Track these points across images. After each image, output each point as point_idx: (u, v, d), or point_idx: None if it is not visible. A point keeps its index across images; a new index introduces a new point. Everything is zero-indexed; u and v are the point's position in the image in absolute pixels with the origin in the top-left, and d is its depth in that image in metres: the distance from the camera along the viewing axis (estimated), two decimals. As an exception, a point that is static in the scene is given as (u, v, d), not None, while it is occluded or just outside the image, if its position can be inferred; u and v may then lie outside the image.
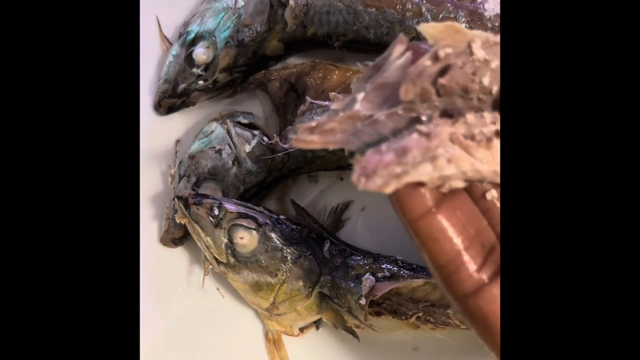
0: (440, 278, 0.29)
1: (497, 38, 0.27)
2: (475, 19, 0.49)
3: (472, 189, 0.30)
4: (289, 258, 0.48)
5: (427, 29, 0.27)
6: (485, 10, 0.49)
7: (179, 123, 0.54)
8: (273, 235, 0.48)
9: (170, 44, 0.54)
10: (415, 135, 0.27)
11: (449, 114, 0.28)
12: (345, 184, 0.53)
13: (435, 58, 0.27)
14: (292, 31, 0.51)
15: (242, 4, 0.52)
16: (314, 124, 0.28)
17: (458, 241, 0.29)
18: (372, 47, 0.50)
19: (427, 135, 0.27)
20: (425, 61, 0.27)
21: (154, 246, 0.53)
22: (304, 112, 0.51)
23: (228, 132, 0.52)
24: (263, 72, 0.53)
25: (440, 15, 0.49)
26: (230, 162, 0.51)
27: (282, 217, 0.50)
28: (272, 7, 0.51)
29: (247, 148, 0.51)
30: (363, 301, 0.47)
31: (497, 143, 0.27)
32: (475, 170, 0.27)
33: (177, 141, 0.54)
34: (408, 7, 0.49)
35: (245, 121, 0.53)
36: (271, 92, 0.54)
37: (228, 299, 0.52)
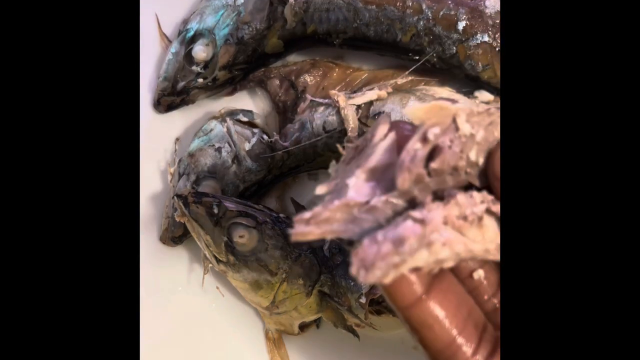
0: None
1: (482, 107, 0.28)
2: (476, 16, 0.48)
3: (458, 269, 0.30)
4: (288, 257, 0.48)
5: (414, 112, 0.27)
6: (486, 7, 0.49)
7: (178, 121, 0.54)
8: (273, 233, 0.48)
9: (170, 41, 0.54)
10: (409, 223, 0.27)
11: (439, 196, 0.28)
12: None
13: (424, 140, 0.27)
14: (292, 29, 0.51)
15: (242, 1, 0.52)
16: (308, 215, 0.28)
17: (452, 326, 0.28)
18: (372, 44, 0.50)
19: (422, 222, 0.27)
20: (415, 144, 0.27)
21: (153, 245, 0.52)
22: (304, 110, 0.51)
23: (228, 130, 0.52)
24: (263, 69, 0.53)
25: (441, 13, 0.48)
26: (229, 160, 0.51)
27: (282, 215, 0.50)
28: (272, 4, 0.51)
29: (247, 146, 0.51)
30: (363, 300, 0.46)
31: (487, 221, 0.28)
32: (468, 250, 0.27)
33: (177, 139, 0.54)
34: (408, 4, 0.49)
35: (244, 119, 0.52)
36: (271, 90, 0.54)
37: (228, 297, 0.52)
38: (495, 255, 0.28)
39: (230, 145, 0.51)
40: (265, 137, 0.52)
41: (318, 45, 0.52)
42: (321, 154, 0.50)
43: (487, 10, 0.49)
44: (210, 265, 0.49)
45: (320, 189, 0.29)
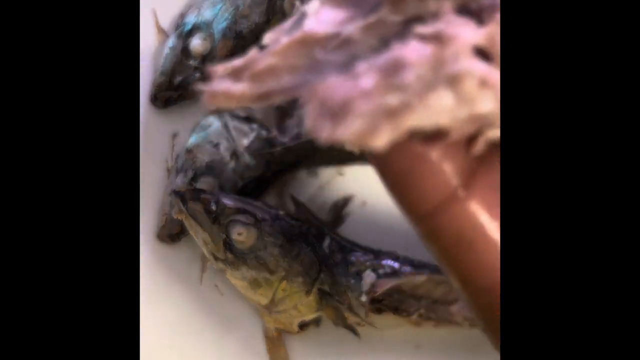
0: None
1: None
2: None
3: None
4: (288, 254, 0.47)
5: None
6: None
7: (175, 116, 0.54)
8: (272, 231, 0.47)
9: (167, 35, 0.54)
10: (413, 43, 0.16)
11: (472, 12, 0.16)
12: (345, 178, 0.53)
13: None
14: (291, 22, 0.50)
15: (240, -6, 0.51)
16: (239, 62, 0.18)
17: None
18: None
19: (437, 39, 0.15)
20: None
21: (150, 242, 0.52)
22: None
23: (226, 125, 0.51)
24: (262, 64, 0.53)
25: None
26: (228, 156, 0.51)
27: (281, 212, 0.49)
28: (271, -3, 0.51)
29: (245, 142, 0.51)
30: (364, 298, 0.46)
31: None
32: None
33: (174, 135, 0.54)
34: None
35: (243, 114, 0.52)
36: (270, 84, 0.53)
37: (227, 295, 0.52)
38: None
39: (228, 141, 0.51)
40: (264, 132, 0.51)
41: (318, 39, 0.51)
42: (322, 150, 0.50)
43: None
44: (209, 263, 0.49)
45: (269, 36, 0.18)
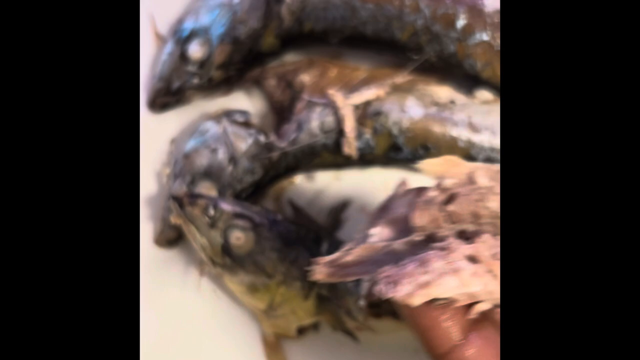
0: None
1: (497, 167, 0.28)
2: (475, 15, 0.48)
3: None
4: (286, 259, 0.47)
5: (426, 166, 0.28)
6: (484, 5, 0.48)
7: (173, 121, 0.54)
8: (270, 235, 0.47)
9: (165, 41, 0.54)
10: (433, 250, 0.27)
11: (465, 237, 0.28)
12: (343, 183, 0.53)
13: (440, 189, 0.28)
14: (289, 27, 0.51)
15: (238, 0, 0.51)
16: (330, 258, 0.30)
17: None
18: (370, 43, 0.50)
19: (445, 250, 0.27)
20: (432, 192, 0.28)
21: (148, 247, 0.52)
22: (301, 110, 0.51)
23: (224, 130, 0.51)
24: (259, 69, 0.53)
25: (439, 11, 0.48)
26: (226, 161, 0.51)
27: (279, 217, 0.49)
28: (268, 3, 0.51)
29: (243, 147, 0.51)
30: (362, 302, 0.46)
31: None
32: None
33: (172, 140, 0.54)
34: (406, 3, 0.48)
35: (241, 119, 0.52)
36: (267, 89, 0.53)
37: (225, 300, 0.52)
38: None
39: (226, 146, 0.51)
40: (262, 137, 0.51)
41: (315, 44, 0.52)
42: (319, 155, 0.50)
43: (486, 9, 0.48)
44: (207, 267, 0.49)
45: (349, 244, 0.31)
